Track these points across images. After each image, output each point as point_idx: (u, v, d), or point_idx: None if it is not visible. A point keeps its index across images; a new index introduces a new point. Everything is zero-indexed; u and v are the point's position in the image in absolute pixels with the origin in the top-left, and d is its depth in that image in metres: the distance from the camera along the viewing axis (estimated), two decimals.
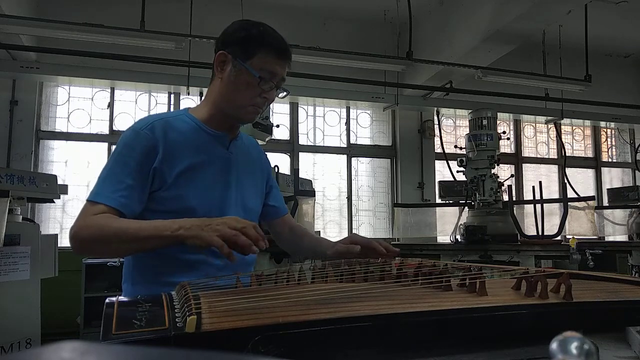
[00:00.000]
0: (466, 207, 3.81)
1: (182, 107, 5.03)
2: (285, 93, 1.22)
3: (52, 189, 3.14)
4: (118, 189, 1.05)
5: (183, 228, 0.92)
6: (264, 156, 1.41)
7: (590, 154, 6.76)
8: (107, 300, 0.75)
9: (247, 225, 0.89)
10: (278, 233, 1.43)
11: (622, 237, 4.52)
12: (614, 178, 6.79)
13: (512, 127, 6.34)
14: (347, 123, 5.68)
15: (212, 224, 0.90)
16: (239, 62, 1.12)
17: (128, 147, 1.10)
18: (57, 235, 3.35)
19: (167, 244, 0.94)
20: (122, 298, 0.79)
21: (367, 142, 5.75)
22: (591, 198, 4.55)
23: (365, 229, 5.62)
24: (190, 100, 5.03)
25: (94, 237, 0.98)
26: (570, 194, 4.51)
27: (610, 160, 6.87)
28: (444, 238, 4.21)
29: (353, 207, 5.57)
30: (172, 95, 5.06)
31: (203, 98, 1.26)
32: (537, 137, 6.51)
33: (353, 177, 5.62)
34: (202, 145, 1.17)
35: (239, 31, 1.15)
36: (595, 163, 6.72)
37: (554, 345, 0.35)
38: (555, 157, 6.50)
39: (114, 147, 4.70)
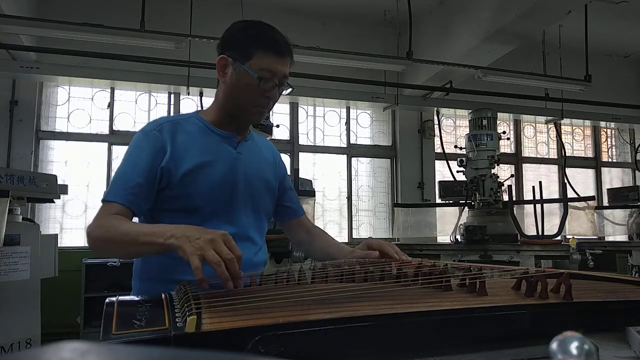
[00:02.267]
0: (466, 207, 3.81)
1: (182, 107, 5.06)
2: (290, 90, 1.22)
3: (52, 189, 3.14)
4: (128, 187, 1.09)
5: (174, 237, 0.89)
6: (279, 157, 1.41)
7: (590, 154, 6.75)
8: (107, 300, 0.75)
9: (232, 258, 0.84)
10: (294, 235, 1.43)
11: (622, 237, 4.52)
12: (614, 178, 6.79)
13: (512, 127, 6.33)
14: (347, 123, 5.68)
15: (201, 238, 0.86)
16: (238, 65, 1.13)
17: (138, 148, 1.14)
18: (57, 235, 3.35)
19: (162, 250, 0.93)
20: (122, 298, 0.79)
21: (367, 142, 5.75)
22: (591, 198, 4.55)
23: (365, 229, 5.62)
24: (190, 100, 5.03)
25: (103, 238, 1.02)
26: (570, 194, 4.51)
27: (610, 160, 6.87)
28: (444, 238, 4.21)
29: (353, 207, 5.57)
30: (172, 95, 5.05)
31: (213, 101, 1.28)
32: (537, 137, 6.51)
33: (353, 177, 5.62)
34: (209, 146, 1.18)
35: (236, 33, 1.16)
36: (595, 163, 6.72)
37: (554, 345, 0.35)
38: (555, 157, 6.50)
39: (114, 147, 4.68)
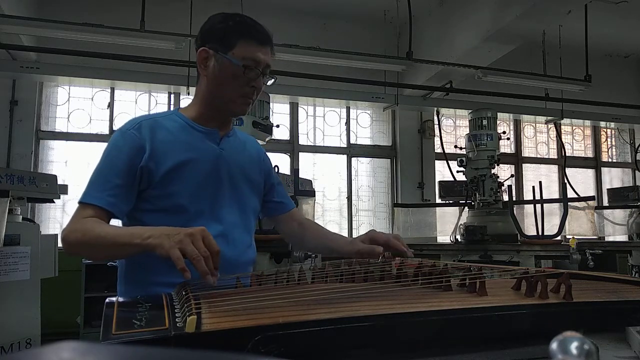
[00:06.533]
0: (466, 207, 3.80)
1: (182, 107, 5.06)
2: (272, 80, 1.21)
3: (52, 189, 3.14)
4: (106, 188, 1.06)
5: (153, 237, 0.89)
6: (263, 153, 1.38)
7: (590, 154, 6.75)
8: (107, 301, 0.75)
9: (209, 256, 0.84)
10: (285, 229, 1.40)
11: (622, 237, 4.52)
12: (614, 178, 6.79)
13: (512, 127, 6.34)
14: (347, 123, 5.68)
15: (179, 233, 0.86)
16: (221, 55, 1.12)
17: (116, 148, 1.11)
18: (57, 235, 3.35)
19: (140, 251, 0.93)
20: (122, 298, 0.79)
21: (367, 142, 5.75)
22: (591, 198, 4.56)
23: (365, 229, 5.60)
24: (190, 101, 5.02)
25: (79, 241, 1.00)
26: (570, 194, 4.50)
27: (610, 160, 6.87)
28: (444, 238, 4.21)
29: (353, 207, 5.57)
30: (172, 95, 5.06)
31: (193, 97, 1.25)
32: (537, 137, 6.51)
33: (353, 177, 5.62)
34: (191, 143, 1.16)
35: (217, 25, 1.15)
36: (595, 163, 6.72)
37: (554, 345, 0.35)
38: (555, 157, 6.50)
39: None
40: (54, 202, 3.79)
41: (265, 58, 1.14)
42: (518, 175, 6.23)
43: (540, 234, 3.49)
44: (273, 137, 3.31)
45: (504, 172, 5.80)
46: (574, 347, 0.34)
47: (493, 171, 3.71)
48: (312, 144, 5.56)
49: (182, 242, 0.84)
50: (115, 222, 1.11)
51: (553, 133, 6.43)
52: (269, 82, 1.21)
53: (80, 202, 1.06)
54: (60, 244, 3.34)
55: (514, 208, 3.60)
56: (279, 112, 5.41)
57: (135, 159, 1.09)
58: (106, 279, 3.92)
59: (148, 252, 0.91)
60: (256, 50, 1.12)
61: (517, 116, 6.14)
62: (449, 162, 5.07)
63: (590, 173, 6.70)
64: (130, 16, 3.92)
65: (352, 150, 5.65)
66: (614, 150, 6.92)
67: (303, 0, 5.08)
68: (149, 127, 1.13)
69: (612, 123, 6.44)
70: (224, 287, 0.90)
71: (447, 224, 4.21)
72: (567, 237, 3.61)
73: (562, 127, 6.44)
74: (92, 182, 1.09)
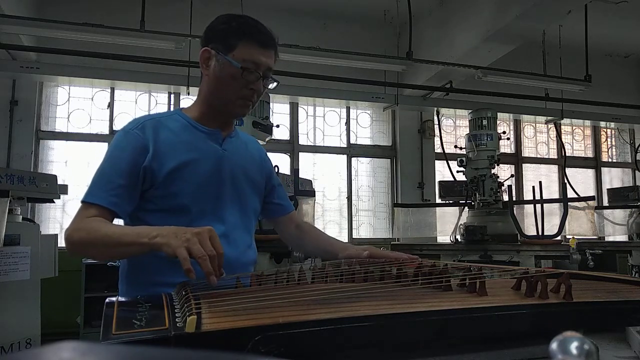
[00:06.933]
0: (466, 207, 3.80)
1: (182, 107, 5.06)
2: (275, 84, 1.20)
3: (52, 189, 3.14)
4: (109, 188, 1.06)
5: (160, 235, 0.89)
6: (264, 154, 1.38)
7: (590, 154, 6.75)
8: (107, 301, 0.75)
9: (214, 255, 0.85)
10: (284, 230, 1.41)
11: (622, 237, 4.52)
12: (614, 178, 6.79)
13: (512, 127, 6.33)
14: (347, 123, 5.68)
15: (187, 232, 0.87)
16: (221, 56, 1.12)
17: (119, 148, 1.11)
18: (57, 235, 3.35)
19: (147, 250, 0.93)
20: (122, 298, 0.79)
21: (367, 142, 5.75)
22: (591, 198, 4.55)
23: (365, 229, 5.62)
24: (190, 101, 5.02)
25: (83, 240, 1.00)
26: (570, 194, 4.50)
27: (610, 160, 6.87)
28: (444, 238, 4.21)
29: (353, 207, 5.57)
30: (172, 95, 5.06)
31: (196, 97, 1.26)
32: (537, 137, 6.51)
33: (353, 177, 5.62)
34: (194, 143, 1.16)
35: (220, 25, 1.15)
36: (595, 163, 6.72)
37: (554, 345, 0.35)
38: (555, 157, 6.50)
39: None
40: (54, 202, 3.80)
41: (267, 61, 1.13)
42: (518, 175, 6.23)
43: (540, 234, 3.49)
44: (273, 137, 3.31)
45: (504, 172, 5.80)
46: (574, 347, 0.34)
47: (493, 171, 3.71)
48: (312, 144, 5.56)
49: (189, 241, 0.85)
50: (118, 223, 1.11)
51: (553, 133, 6.43)
52: (271, 86, 1.20)
53: (83, 202, 1.06)
54: (60, 244, 3.35)
55: (514, 208, 3.60)
56: (279, 112, 5.41)
57: (138, 159, 1.09)
58: (106, 279, 3.92)
59: (154, 252, 0.91)
60: (257, 53, 1.11)
61: (517, 116, 6.14)
62: (449, 162, 5.07)
63: (590, 173, 6.70)
64: (130, 16, 3.92)
65: (352, 150, 5.65)
66: (614, 150, 6.92)
67: (303, 0, 5.08)
68: (152, 127, 1.13)
69: (612, 123, 6.43)
70: (224, 287, 0.90)
71: (447, 224, 4.21)
72: (567, 237, 3.61)
73: (562, 127, 6.44)
74: (95, 181, 1.08)
